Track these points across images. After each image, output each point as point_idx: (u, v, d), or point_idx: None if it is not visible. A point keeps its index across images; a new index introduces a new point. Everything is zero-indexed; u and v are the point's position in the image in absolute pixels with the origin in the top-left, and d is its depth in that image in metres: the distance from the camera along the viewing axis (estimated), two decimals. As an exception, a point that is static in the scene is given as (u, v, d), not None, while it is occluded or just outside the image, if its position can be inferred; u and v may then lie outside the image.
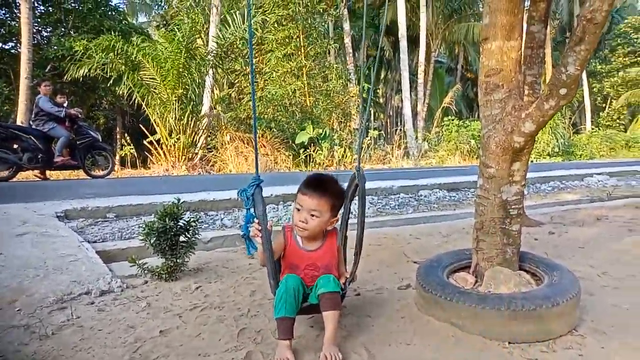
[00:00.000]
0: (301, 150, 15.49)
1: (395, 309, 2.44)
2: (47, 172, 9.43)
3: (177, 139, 13.50)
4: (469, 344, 2.04)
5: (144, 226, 2.98)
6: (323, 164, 15.74)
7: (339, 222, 2.26)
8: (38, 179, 9.27)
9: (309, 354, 1.99)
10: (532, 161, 16.51)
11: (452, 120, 20.73)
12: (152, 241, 2.93)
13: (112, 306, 2.59)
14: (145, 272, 2.97)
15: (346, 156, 16.48)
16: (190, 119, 13.95)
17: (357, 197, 2.34)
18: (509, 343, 2.02)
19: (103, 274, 3.00)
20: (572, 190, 8.65)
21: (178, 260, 2.99)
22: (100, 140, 9.78)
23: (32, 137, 8.59)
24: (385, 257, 3.43)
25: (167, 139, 13.64)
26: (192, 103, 14.40)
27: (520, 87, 2.29)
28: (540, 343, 2.02)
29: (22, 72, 14.23)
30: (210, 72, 15.62)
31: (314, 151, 15.65)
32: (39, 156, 8.65)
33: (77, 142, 9.12)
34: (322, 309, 1.99)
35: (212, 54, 15.31)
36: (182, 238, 3.03)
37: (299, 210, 2.05)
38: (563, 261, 3.01)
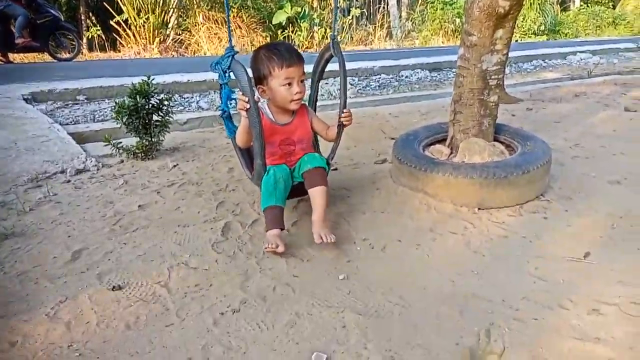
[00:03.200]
0: (279, 31, 14.76)
1: (371, 181, 2.48)
2: (10, 56, 8.88)
3: (145, 18, 12.66)
4: (440, 210, 2.11)
5: (115, 105, 2.87)
6: (302, 45, 15.12)
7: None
8: (1, 62, 8.75)
9: (285, 223, 2.05)
10: (515, 40, 16.10)
11: (438, -3, 19.70)
12: (124, 120, 2.85)
13: (89, 184, 2.58)
14: (120, 151, 2.93)
15: (327, 37, 15.81)
16: (159, -4, 12.97)
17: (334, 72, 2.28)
18: (479, 209, 2.10)
19: (77, 154, 2.95)
20: (554, 69, 8.55)
21: (153, 139, 2.94)
22: (63, 19, 9.09)
23: (-13, 17, 7.94)
24: (363, 135, 3.43)
25: (135, 19, 12.77)
26: (160, -22, 13.27)
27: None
28: (508, 208, 2.10)
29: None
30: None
31: (292, 32, 14.93)
32: (-5, 37, 8.07)
33: (38, 22, 8.46)
34: (309, 186, 1.93)
35: None
36: (155, 117, 2.94)
37: (290, 85, 1.90)
38: (538, 135, 3.05)
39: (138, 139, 2.92)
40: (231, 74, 1.96)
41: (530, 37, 18.68)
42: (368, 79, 7.27)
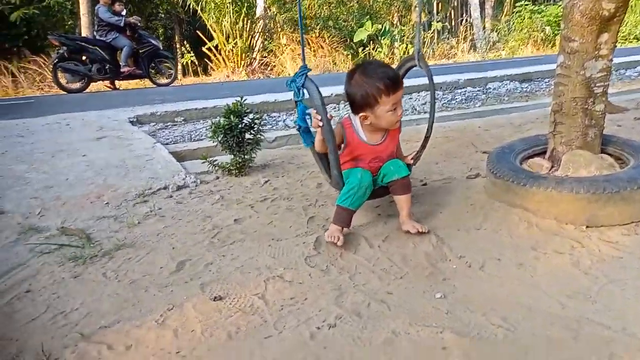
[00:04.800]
0: (360, 49, 14.92)
1: (464, 196, 2.40)
2: (117, 83, 9.76)
3: (234, 43, 13.36)
4: (542, 228, 1.99)
5: (211, 125, 3.04)
6: (383, 61, 15.15)
7: None
8: (109, 89, 9.64)
9: (376, 239, 2.03)
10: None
11: (526, 5, 18.88)
12: (219, 138, 3.00)
13: (189, 199, 2.73)
14: (216, 168, 3.08)
15: (407, 52, 15.70)
16: (245, 22, 13.66)
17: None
18: (587, 227, 1.95)
19: (177, 171, 3.15)
20: (662, 76, 7.82)
21: (245, 157, 3.07)
22: (161, 48, 9.86)
23: (98, 48, 8.81)
24: (452, 149, 3.34)
25: (224, 45, 13.52)
26: (246, 5, 13.99)
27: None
28: (621, 226, 1.93)
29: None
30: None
31: (373, 49, 15.01)
32: (107, 67, 8.92)
33: (140, 51, 9.26)
34: (395, 193, 2.11)
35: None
36: (247, 135, 3.07)
37: (394, 109, 1.94)
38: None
39: (232, 156, 3.06)
40: (305, 90, 2.00)
41: (632, 42, 17.28)
42: (453, 92, 7.10)
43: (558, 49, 2.25)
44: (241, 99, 3.07)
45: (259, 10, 15.06)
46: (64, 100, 7.59)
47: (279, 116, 5.85)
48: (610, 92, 2.10)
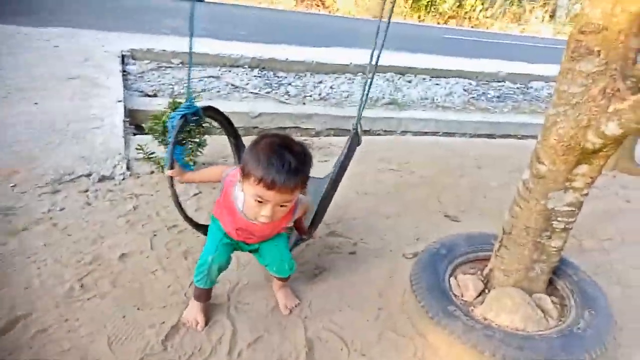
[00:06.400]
0: (422, -3, 13.68)
1: (379, 292, 2.07)
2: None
3: (289, -38, 12.42)
4: (430, 381, 1.68)
5: (151, 117, 2.73)
6: (445, 14, 13.92)
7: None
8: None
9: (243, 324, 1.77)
10: None
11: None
12: (158, 137, 2.70)
13: (101, 200, 2.50)
14: (151, 163, 2.81)
15: (475, 8, 14.35)
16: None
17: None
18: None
19: (114, 153, 2.90)
20: None
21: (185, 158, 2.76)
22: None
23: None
24: (418, 196, 2.93)
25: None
26: None
27: (625, 63, 1.45)
28: (518, 408, 1.60)
29: None
30: None
31: (438, -3, 13.75)
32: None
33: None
34: (273, 284, 1.96)
35: None
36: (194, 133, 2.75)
37: (260, 202, 1.48)
38: None
39: (170, 154, 2.76)
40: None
41: None
42: (488, 84, 6.40)
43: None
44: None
45: None
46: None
47: (286, 77, 5.41)
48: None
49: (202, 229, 1.92)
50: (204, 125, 2.64)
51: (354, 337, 1.81)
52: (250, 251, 1.85)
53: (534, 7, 15.40)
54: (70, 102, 3.47)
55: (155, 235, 2.29)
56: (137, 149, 2.82)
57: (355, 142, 1.93)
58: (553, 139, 1.59)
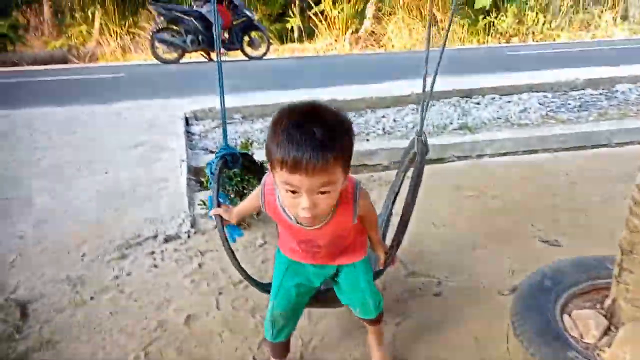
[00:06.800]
0: (480, 17, 13.33)
1: (474, 339, 1.75)
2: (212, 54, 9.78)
3: (340, 9, 12.69)
4: None
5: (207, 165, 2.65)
6: (506, 33, 13.43)
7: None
8: (205, 59, 9.69)
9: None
10: None
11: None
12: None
13: (167, 261, 2.42)
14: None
15: (538, 22, 13.73)
16: (355, -15, 12.86)
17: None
18: None
19: (179, 212, 2.85)
20: None
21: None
22: (255, 19, 9.60)
23: (193, 19, 8.80)
24: (506, 223, 2.58)
25: (331, 9, 12.92)
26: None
27: None
28: None
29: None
30: None
31: (496, 17, 13.34)
32: (200, 37, 8.92)
33: (234, 23, 9.09)
34: (368, 340, 1.68)
35: None
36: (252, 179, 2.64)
37: (293, 192, 1.16)
38: None
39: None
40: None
41: None
42: (566, 94, 5.89)
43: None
44: (248, 142, 2.62)
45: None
46: (152, 74, 7.73)
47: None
48: None
49: (259, 284, 1.69)
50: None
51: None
52: (326, 291, 1.62)
53: (602, 11, 14.48)
54: (137, 167, 3.54)
55: (220, 293, 2.14)
56: (199, 204, 2.76)
57: (423, 151, 1.64)
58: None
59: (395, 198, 1.90)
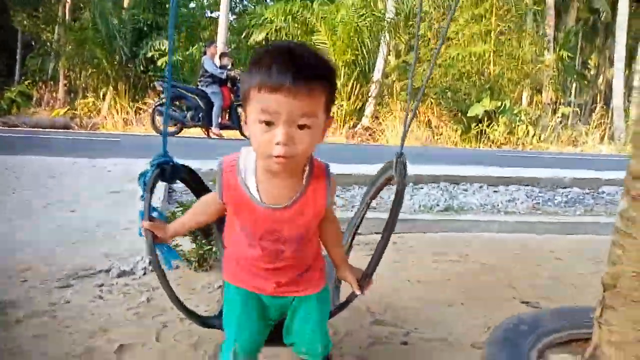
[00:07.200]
0: (472, 124, 13.88)
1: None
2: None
3: (339, 105, 13.24)
4: None
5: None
6: (497, 141, 13.91)
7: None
8: (205, 137, 9.87)
9: None
10: None
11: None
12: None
13: (114, 293, 2.22)
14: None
15: (528, 134, 14.28)
16: (355, 85, 13.54)
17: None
18: None
19: (140, 250, 2.66)
20: None
21: (208, 248, 2.48)
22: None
23: (196, 97, 9.12)
24: (486, 285, 2.42)
25: (330, 105, 13.47)
26: (358, 69, 13.93)
27: None
28: None
29: (219, 37, 14.68)
30: (386, 36, 14.76)
31: (487, 126, 13.89)
32: (200, 115, 9.17)
33: (235, 103, 9.41)
34: None
35: (389, 19, 14.47)
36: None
37: (268, 124, 1.02)
38: None
39: (194, 244, 2.51)
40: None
41: None
42: (554, 191, 5.91)
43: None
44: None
45: (377, 75, 14.80)
46: (146, 142, 7.81)
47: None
48: None
49: (197, 316, 1.43)
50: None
51: None
52: (276, 328, 1.35)
53: (589, 129, 15.15)
54: (107, 210, 3.40)
55: (164, 326, 1.92)
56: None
57: (403, 173, 1.43)
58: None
59: (357, 228, 1.76)
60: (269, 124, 1.01)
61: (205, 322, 1.44)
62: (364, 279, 1.36)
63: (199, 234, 2.47)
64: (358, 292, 1.35)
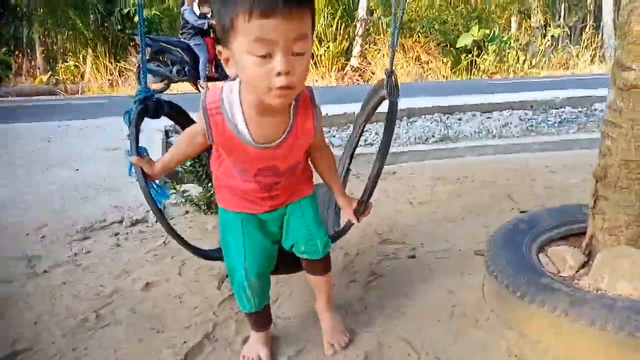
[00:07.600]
0: (462, 56, 13.69)
1: (449, 289, 1.65)
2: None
3: (326, 47, 12.99)
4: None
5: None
6: (488, 70, 13.78)
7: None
8: (193, 90, 9.74)
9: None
10: None
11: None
12: (184, 166, 2.53)
13: (132, 240, 2.30)
14: (184, 201, 2.62)
15: (519, 60, 14.13)
16: (340, 24, 13.22)
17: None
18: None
19: (148, 200, 2.74)
20: None
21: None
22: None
23: (180, 50, 8.91)
24: (481, 200, 2.52)
25: (317, 48, 13.20)
26: (342, 7, 13.56)
27: None
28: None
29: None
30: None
31: (477, 56, 13.71)
32: (186, 69, 9.00)
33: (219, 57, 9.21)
34: (308, 272, 1.43)
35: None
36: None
37: (265, 57, 0.95)
38: None
39: (201, 188, 2.58)
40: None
41: None
42: (546, 112, 5.96)
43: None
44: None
45: (361, 13, 14.43)
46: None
47: (329, 131, 5.28)
48: None
49: (197, 249, 1.43)
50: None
51: (423, 340, 1.39)
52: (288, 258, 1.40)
53: (579, 50, 14.98)
54: (108, 166, 3.45)
55: (183, 264, 2.02)
56: (168, 187, 2.66)
57: (394, 92, 1.46)
58: (637, 27, 1.23)
59: (353, 152, 1.81)
60: (264, 56, 0.95)
61: (205, 254, 1.48)
62: (361, 205, 1.38)
63: (203, 175, 2.53)
64: (354, 221, 1.39)
